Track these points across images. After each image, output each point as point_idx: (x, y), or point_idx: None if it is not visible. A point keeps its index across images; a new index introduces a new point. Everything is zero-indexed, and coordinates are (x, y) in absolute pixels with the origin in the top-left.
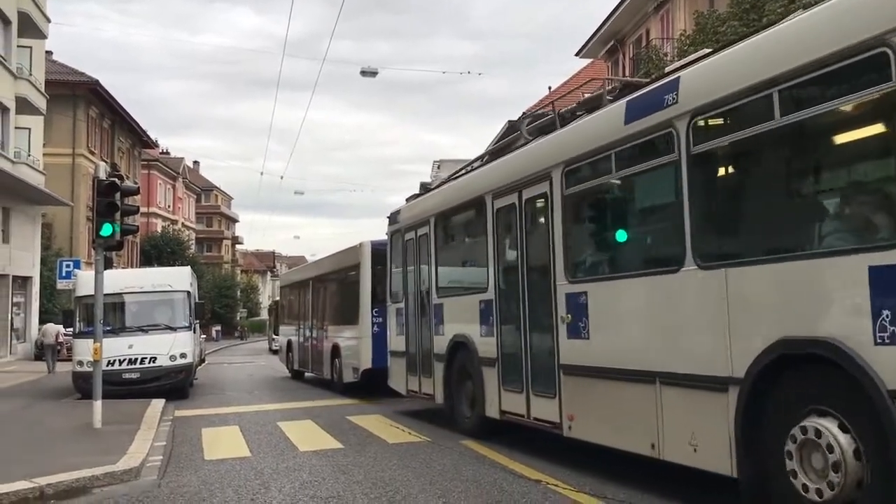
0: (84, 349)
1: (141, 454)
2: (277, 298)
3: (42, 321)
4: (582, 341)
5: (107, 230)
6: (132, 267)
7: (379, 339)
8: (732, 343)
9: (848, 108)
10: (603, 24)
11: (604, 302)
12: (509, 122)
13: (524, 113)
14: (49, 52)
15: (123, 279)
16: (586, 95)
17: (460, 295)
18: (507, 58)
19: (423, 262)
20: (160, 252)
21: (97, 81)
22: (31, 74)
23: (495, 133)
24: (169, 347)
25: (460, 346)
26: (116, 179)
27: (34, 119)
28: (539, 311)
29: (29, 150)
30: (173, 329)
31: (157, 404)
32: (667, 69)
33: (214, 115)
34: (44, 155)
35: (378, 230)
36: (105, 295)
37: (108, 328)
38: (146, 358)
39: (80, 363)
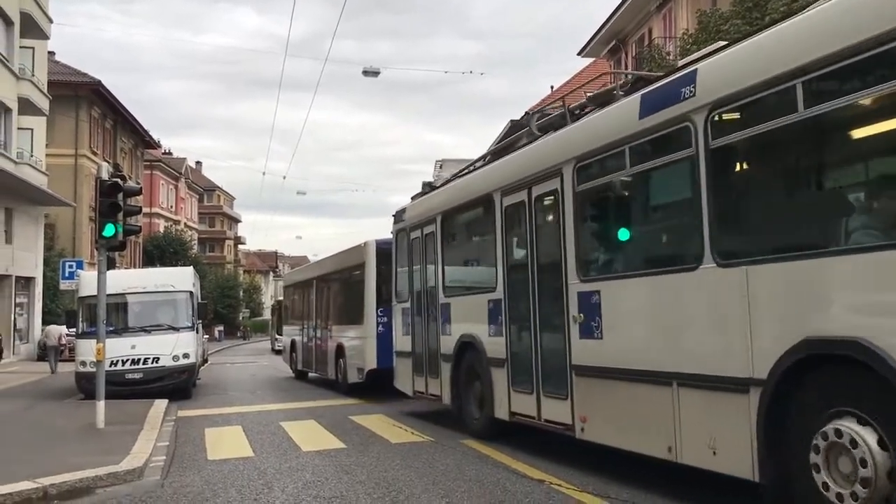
0: (87, 349)
1: (144, 454)
2: (280, 298)
3: (45, 322)
4: (595, 341)
5: (109, 231)
6: (135, 267)
7: (384, 339)
8: (754, 343)
9: (878, 98)
10: (605, 23)
11: (618, 301)
12: (511, 121)
13: (527, 112)
14: (52, 53)
15: (126, 279)
16: (589, 94)
17: (468, 294)
18: (509, 57)
19: (429, 260)
20: (163, 252)
21: (99, 82)
22: (33, 75)
23: (497, 133)
24: (172, 348)
25: (468, 346)
26: (119, 180)
27: (37, 120)
28: (550, 311)
29: (31, 151)
30: (176, 329)
31: (160, 404)
32: (680, 63)
33: (216, 116)
34: (46, 155)
35: (380, 230)
36: (108, 295)
37: (111, 328)
38: (149, 358)
39: (84, 363)
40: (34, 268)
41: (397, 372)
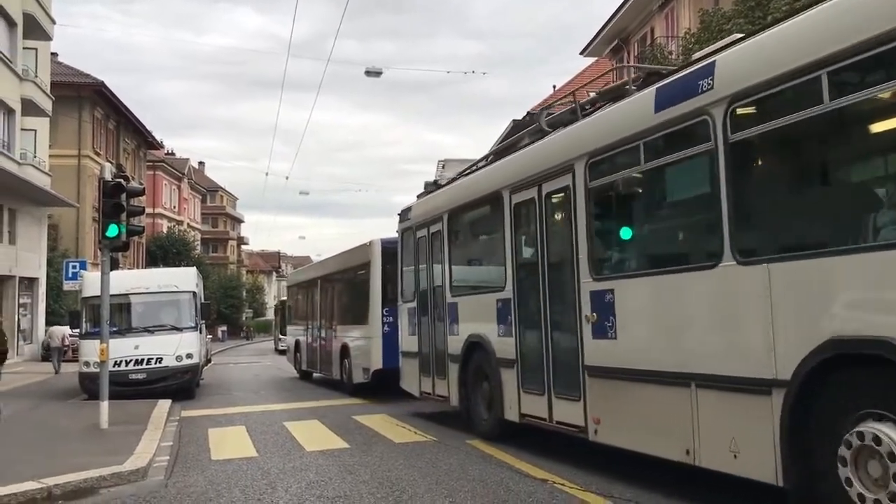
0: (90, 350)
1: (148, 454)
2: (284, 298)
3: (49, 322)
4: (608, 341)
5: (112, 231)
6: (138, 268)
7: (389, 339)
8: (777, 343)
9: None
10: (607, 22)
11: (633, 300)
12: (514, 121)
13: (529, 112)
14: (54, 54)
15: (129, 280)
16: (591, 94)
17: (476, 294)
18: (510, 57)
19: (435, 259)
20: (166, 253)
21: (102, 83)
22: (36, 76)
23: (499, 133)
24: (175, 348)
25: (476, 346)
26: (122, 180)
27: (40, 121)
28: (561, 310)
29: (35, 152)
30: (179, 329)
31: (164, 405)
32: (695, 56)
33: (219, 116)
34: (49, 156)
35: (382, 230)
36: (111, 296)
37: (115, 329)
38: (152, 358)
39: (87, 364)
40: (38, 268)
41: (403, 372)
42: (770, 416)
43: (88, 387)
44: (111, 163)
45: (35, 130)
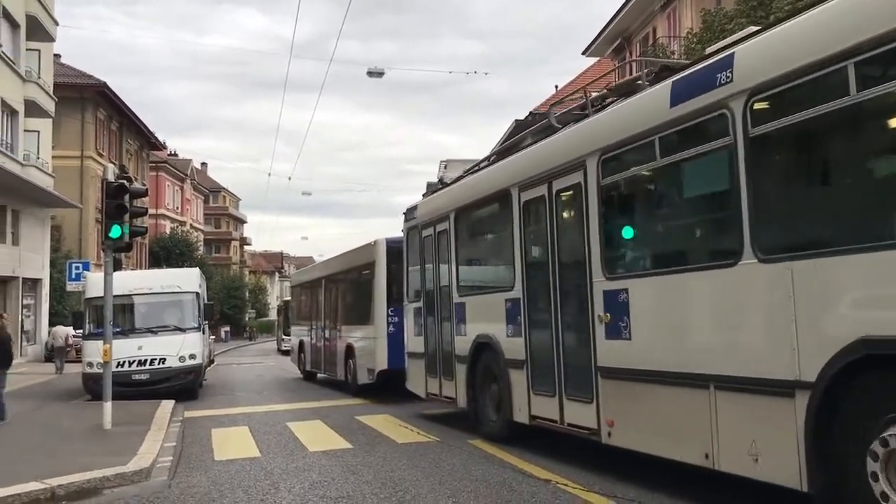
0: (94, 351)
1: (151, 455)
2: (287, 299)
3: (52, 323)
4: (623, 342)
5: (116, 232)
6: (141, 268)
7: (395, 340)
8: (800, 344)
9: None
10: (609, 22)
11: (648, 300)
12: (516, 121)
13: (532, 112)
14: (57, 55)
15: (133, 281)
16: (594, 95)
17: (484, 293)
18: (511, 57)
19: (442, 259)
20: (169, 253)
21: (105, 84)
22: (39, 77)
23: (501, 133)
24: (178, 348)
25: (484, 346)
26: (125, 181)
27: (43, 122)
28: (572, 310)
29: (38, 153)
30: (182, 330)
31: (167, 405)
32: (708, 50)
33: (221, 117)
34: (53, 157)
35: (384, 230)
36: (114, 296)
37: (118, 330)
38: (156, 359)
39: (90, 364)
40: (41, 269)
41: (409, 373)
42: (793, 419)
43: (92, 387)
44: (114, 164)
45: (38, 132)
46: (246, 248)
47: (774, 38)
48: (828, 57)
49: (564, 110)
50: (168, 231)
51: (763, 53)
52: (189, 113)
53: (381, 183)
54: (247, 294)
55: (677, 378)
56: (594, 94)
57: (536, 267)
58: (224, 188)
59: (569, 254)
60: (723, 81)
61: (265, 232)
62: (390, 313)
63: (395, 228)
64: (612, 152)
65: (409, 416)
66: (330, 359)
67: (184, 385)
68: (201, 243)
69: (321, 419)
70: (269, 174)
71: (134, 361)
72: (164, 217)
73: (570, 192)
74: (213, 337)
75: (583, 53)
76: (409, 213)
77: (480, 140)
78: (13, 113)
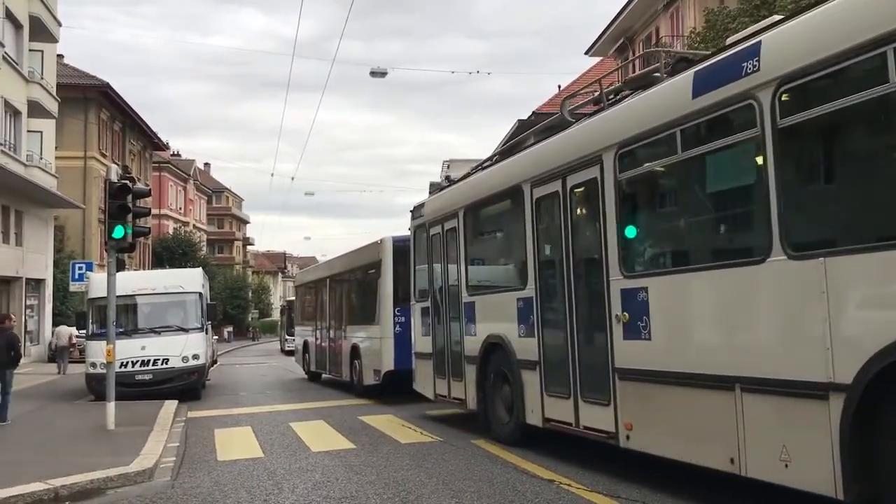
0: (97, 351)
1: (154, 455)
2: (290, 299)
3: (55, 323)
4: (642, 342)
5: (118, 232)
6: (144, 269)
7: (401, 340)
8: (834, 344)
9: None
10: (612, 22)
11: (670, 298)
12: (519, 121)
13: (534, 111)
14: (60, 56)
15: (136, 281)
16: (597, 94)
17: (494, 292)
18: (514, 57)
19: (450, 257)
20: (172, 254)
21: (108, 84)
22: (42, 78)
23: (504, 132)
24: (181, 349)
25: (495, 347)
26: (128, 182)
27: (46, 122)
28: (588, 310)
29: (41, 154)
30: (185, 330)
31: (170, 405)
32: (729, 40)
33: (224, 117)
34: (56, 158)
35: (387, 230)
36: (117, 297)
37: (121, 330)
38: (159, 359)
39: (94, 365)
40: (44, 270)
41: (417, 374)
42: (826, 423)
43: (95, 388)
44: (117, 164)
45: (41, 132)
46: (249, 248)
47: (805, 24)
48: (865, 42)
49: (577, 104)
50: (171, 231)
51: (792, 41)
52: (192, 113)
53: (383, 183)
54: (250, 294)
55: (700, 380)
56: (608, 88)
57: (550, 265)
58: (227, 188)
59: (584, 251)
60: (749, 71)
61: (268, 232)
62: (397, 313)
63: (396, 229)
64: (630, 146)
65: (413, 416)
66: (335, 359)
67: (187, 385)
68: (204, 243)
69: (324, 419)
70: (272, 174)
71: (137, 362)
72: (167, 217)
73: (586, 188)
74: (217, 337)
75: (586, 53)
76: (417, 210)
77: (483, 140)
78: (16, 113)
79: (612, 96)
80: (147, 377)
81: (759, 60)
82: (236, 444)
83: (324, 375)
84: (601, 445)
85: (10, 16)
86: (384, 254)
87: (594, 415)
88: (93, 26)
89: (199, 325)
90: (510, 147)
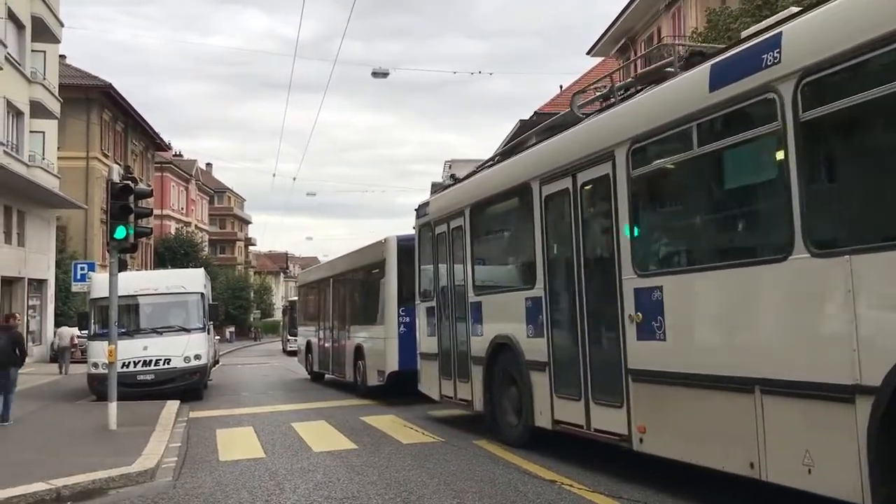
0: (99, 351)
1: (156, 455)
2: (292, 299)
3: (57, 324)
4: (657, 343)
5: (120, 233)
6: (146, 269)
7: (406, 340)
8: (861, 345)
9: None
10: (614, 22)
11: (686, 298)
12: (521, 121)
13: (536, 111)
14: (62, 56)
15: (137, 281)
16: (599, 93)
17: (502, 292)
18: (515, 57)
19: (456, 256)
20: (174, 254)
21: (110, 84)
22: (44, 78)
23: (505, 133)
24: (183, 349)
25: (503, 347)
26: (130, 182)
27: (48, 123)
28: (599, 309)
29: (43, 154)
30: (187, 331)
31: (172, 406)
32: (744, 34)
33: (226, 117)
34: (58, 158)
35: (388, 230)
36: (119, 297)
37: (123, 330)
38: (161, 359)
39: (95, 365)
40: (46, 270)
41: (422, 375)
42: (853, 427)
43: (97, 388)
44: (119, 164)
45: (43, 132)
46: (251, 248)
47: (828, 14)
48: (893, 32)
49: (588, 99)
50: (173, 232)
51: (815, 31)
52: (193, 113)
53: (384, 183)
54: (252, 294)
55: (718, 381)
56: (639, 73)
57: (559, 264)
58: (229, 189)
59: (595, 250)
60: (769, 63)
61: (270, 232)
62: (401, 313)
63: (398, 229)
64: (643, 142)
65: (416, 417)
66: (338, 360)
67: (189, 385)
68: (206, 244)
69: (326, 420)
70: (274, 174)
71: (139, 362)
72: (169, 218)
73: (597, 185)
74: (218, 337)
75: (587, 53)
76: (422, 209)
77: (483, 140)
78: (19, 114)
79: (622, 92)
80: (149, 377)
81: (779, 52)
82: (238, 445)
83: (327, 376)
84: (603, 446)
85: (12, 16)
86: (388, 253)
87: (606, 417)
88: (93, 26)
89: (201, 326)
90: (512, 147)
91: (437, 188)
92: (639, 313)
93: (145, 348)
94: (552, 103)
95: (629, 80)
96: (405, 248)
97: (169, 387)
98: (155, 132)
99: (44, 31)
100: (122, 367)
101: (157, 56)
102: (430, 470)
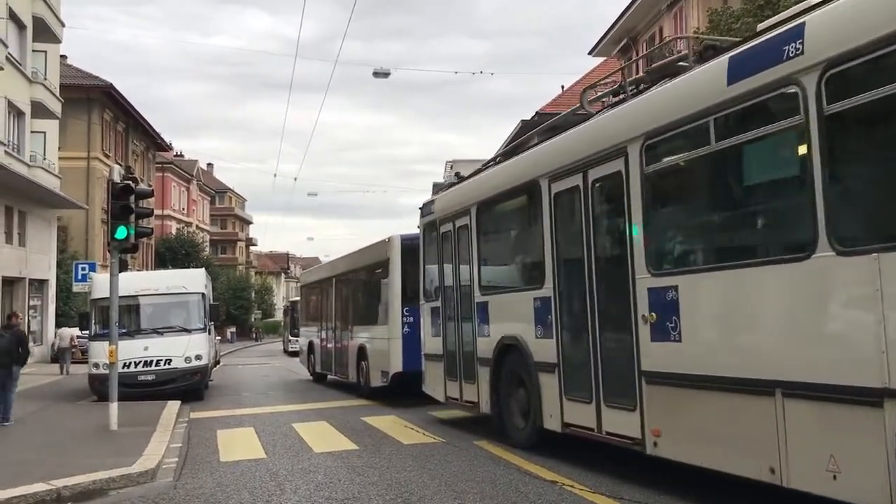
0: (100, 351)
1: (157, 456)
2: (294, 299)
3: (59, 324)
4: (672, 344)
5: (121, 233)
6: (147, 269)
7: (410, 341)
8: (890, 346)
9: None
10: (616, 22)
11: (702, 298)
12: (522, 121)
13: (538, 111)
14: (63, 57)
15: (138, 281)
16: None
17: (509, 292)
18: (516, 57)
19: (462, 255)
20: (175, 254)
21: (111, 84)
22: (45, 79)
23: (507, 133)
24: (184, 349)
25: (510, 348)
26: (131, 182)
27: (49, 123)
28: (611, 310)
29: (44, 154)
30: (188, 331)
31: (173, 406)
32: (760, 27)
33: (227, 117)
34: (59, 158)
35: (390, 230)
36: (120, 297)
37: (124, 330)
38: (161, 360)
39: (96, 365)
40: (47, 270)
41: (427, 376)
42: (881, 432)
43: (98, 388)
44: (120, 165)
45: (44, 133)
46: (252, 248)
47: (854, 3)
48: None
49: (598, 95)
50: (174, 232)
51: (840, 22)
52: (194, 114)
53: (385, 183)
54: (253, 295)
55: (737, 384)
56: (650, 67)
57: (569, 263)
58: (230, 189)
59: (607, 248)
60: (791, 54)
61: (271, 232)
62: (405, 313)
63: (399, 229)
64: (657, 137)
65: (417, 418)
66: (341, 360)
67: (190, 386)
68: (207, 244)
69: (327, 420)
70: (275, 175)
71: (140, 362)
72: (170, 218)
73: (609, 182)
74: (219, 338)
75: (589, 53)
76: (426, 207)
77: (484, 140)
78: (20, 114)
79: (633, 87)
80: (150, 378)
81: (802, 43)
82: (239, 445)
83: (329, 376)
84: (604, 447)
85: (13, 16)
86: (392, 252)
87: (618, 420)
88: (93, 26)
89: (202, 326)
90: (514, 148)
91: (438, 188)
92: (653, 314)
93: (146, 349)
94: (554, 103)
95: (641, 75)
96: (409, 247)
97: (170, 387)
98: (156, 132)
99: (45, 32)
100: (122, 368)
101: (157, 56)
102: (431, 471)
